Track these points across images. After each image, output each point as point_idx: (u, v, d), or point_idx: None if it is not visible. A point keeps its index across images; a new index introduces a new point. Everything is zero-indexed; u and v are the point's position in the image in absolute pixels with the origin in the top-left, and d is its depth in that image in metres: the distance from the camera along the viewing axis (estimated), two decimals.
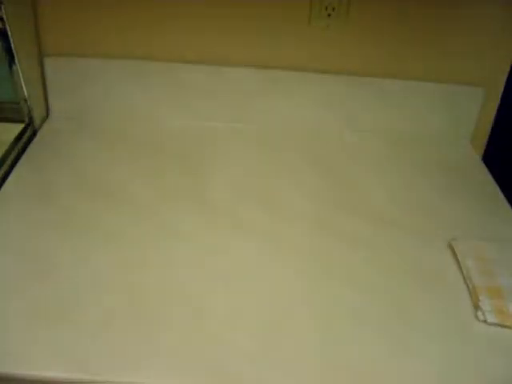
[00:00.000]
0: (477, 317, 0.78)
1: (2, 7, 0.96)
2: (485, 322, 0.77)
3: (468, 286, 0.83)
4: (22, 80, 1.05)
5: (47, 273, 0.79)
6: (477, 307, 0.79)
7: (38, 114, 1.13)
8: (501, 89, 1.17)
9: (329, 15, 1.08)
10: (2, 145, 1.02)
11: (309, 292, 0.80)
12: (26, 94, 1.07)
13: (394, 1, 1.07)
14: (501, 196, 1.04)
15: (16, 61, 1.02)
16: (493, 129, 1.21)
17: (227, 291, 0.79)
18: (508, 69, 1.14)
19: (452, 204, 1.00)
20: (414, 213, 0.98)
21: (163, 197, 0.96)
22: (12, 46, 1.00)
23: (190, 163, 1.06)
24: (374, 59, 1.14)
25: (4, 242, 0.84)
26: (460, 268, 0.86)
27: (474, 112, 1.17)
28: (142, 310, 0.75)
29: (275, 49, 1.13)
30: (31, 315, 0.72)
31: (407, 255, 0.88)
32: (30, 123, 1.10)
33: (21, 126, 1.08)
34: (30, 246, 0.84)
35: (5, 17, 0.97)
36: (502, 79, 1.16)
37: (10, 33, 0.99)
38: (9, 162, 1.01)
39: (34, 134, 1.11)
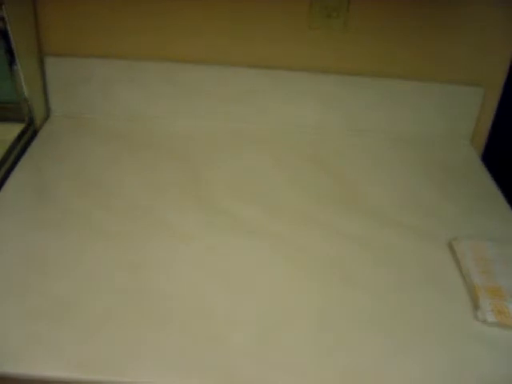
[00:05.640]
0: (476, 317, 0.78)
1: (3, 7, 0.96)
2: (484, 321, 0.77)
3: (468, 286, 0.83)
4: (22, 80, 1.05)
5: (47, 272, 0.79)
6: (477, 307, 0.79)
7: (38, 114, 1.12)
8: (500, 88, 1.17)
9: (329, 15, 1.09)
10: (3, 145, 1.02)
11: (309, 291, 0.80)
12: (26, 93, 1.07)
13: (394, 1, 1.07)
14: (500, 196, 1.04)
15: (16, 61, 1.02)
16: (492, 129, 1.21)
17: (227, 291, 0.79)
18: (507, 68, 1.15)
19: (452, 203, 1.01)
20: (414, 212, 0.98)
21: (163, 197, 0.96)
22: (13, 45, 1.00)
23: (190, 163, 1.06)
24: (373, 59, 1.14)
25: (4, 241, 0.84)
26: (460, 267, 0.86)
27: (474, 112, 1.17)
28: (142, 309, 0.75)
29: (275, 49, 1.13)
30: (31, 315, 0.72)
31: (407, 255, 0.88)
32: (31, 123, 1.10)
33: (21, 126, 1.08)
34: (29, 246, 0.84)
35: (6, 17, 0.97)
36: (502, 79, 1.16)
37: (10, 33, 0.99)
38: (9, 161, 1.00)
39: (35, 133, 1.10)
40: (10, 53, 1.01)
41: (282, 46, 1.13)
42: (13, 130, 1.06)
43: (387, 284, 0.83)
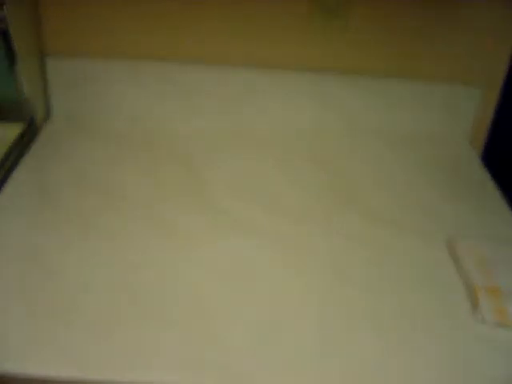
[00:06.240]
0: (476, 317, 0.78)
1: (4, 7, 0.96)
2: (484, 321, 0.77)
3: (467, 286, 0.83)
4: (23, 80, 1.05)
5: (47, 272, 0.80)
6: (476, 307, 0.79)
7: (39, 114, 1.13)
8: (499, 88, 1.17)
9: (329, 15, 1.09)
10: (4, 145, 1.02)
11: (308, 291, 0.81)
12: (27, 93, 1.07)
13: (394, 1, 1.08)
14: (500, 196, 1.05)
15: (17, 60, 1.02)
16: (491, 129, 1.21)
17: (227, 291, 0.79)
18: (506, 68, 1.15)
19: (451, 204, 1.01)
20: (414, 212, 0.98)
21: (164, 197, 0.97)
22: (14, 45, 1.00)
23: (190, 163, 1.06)
24: (373, 59, 1.14)
25: (5, 242, 0.84)
26: (459, 268, 0.86)
27: (473, 112, 1.17)
28: (142, 309, 0.75)
29: (275, 49, 1.13)
30: (31, 315, 0.73)
31: (406, 255, 0.89)
32: (31, 123, 1.10)
33: (22, 126, 1.08)
34: (30, 246, 0.84)
35: (7, 17, 0.97)
36: (501, 79, 1.16)
37: (11, 32, 0.99)
38: (10, 161, 1.01)
39: (36, 134, 1.11)
40: (11, 53, 1.01)
41: (281, 45, 1.13)
42: (13, 130, 1.06)
43: (387, 284, 0.83)
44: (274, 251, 0.87)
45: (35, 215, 0.90)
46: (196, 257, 0.85)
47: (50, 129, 1.13)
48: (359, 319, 0.77)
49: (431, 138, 1.19)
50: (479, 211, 1.00)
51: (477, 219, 0.98)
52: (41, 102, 1.14)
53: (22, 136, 1.06)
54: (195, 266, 0.83)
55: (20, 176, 0.99)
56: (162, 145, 1.11)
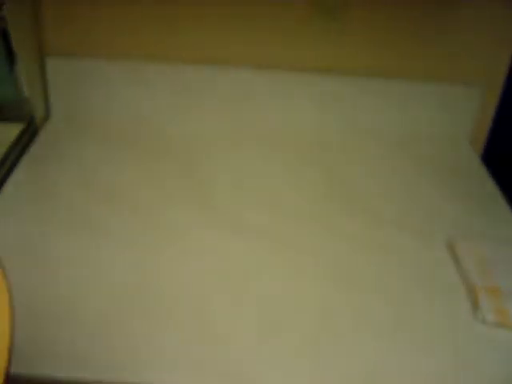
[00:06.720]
0: (476, 317, 0.78)
1: (4, 7, 0.96)
2: (484, 321, 0.77)
3: (467, 286, 0.83)
4: (23, 80, 1.05)
5: (47, 271, 0.80)
6: (476, 307, 0.79)
7: (38, 114, 1.13)
8: (500, 88, 1.17)
9: (328, 15, 1.09)
10: (3, 145, 1.02)
11: (309, 291, 0.81)
12: (26, 93, 1.07)
13: (394, 1, 1.08)
14: (500, 196, 1.04)
15: (17, 60, 1.02)
16: (492, 129, 1.21)
17: (227, 291, 0.79)
18: (507, 68, 1.15)
19: (451, 204, 1.01)
20: (414, 213, 0.98)
21: (164, 197, 0.97)
22: (13, 45, 1.00)
23: (190, 163, 1.06)
24: (373, 59, 1.14)
25: (5, 242, 0.84)
26: (459, 268, 0.86)
27: (473, 112, 1.17)
28: (142, 309, 0.75)
29: (275, 49, 1.13)
30: (31, 315, 0.73)
31: (406, 255, 0.89)
32: (31, 123, 1.10)
33: (22, 126, 1.08)
34: (30, 247, 0.84)
35: (7, 16, 0.97)
36: (501, 79, 1.16)
37: (11, 32, 0.99)
38: (9, 162, 1.01)
39: (35, 134, 1.11)
40: (10, 52, 1.01)
41: (281, 46, 1.13)
42: (13, 130, 1.06)
43: (387, 285, 0.83)
44: (275, 252, 0.87)
45: (35, 215, 0.90)
46: (196, 257, 0.85)
47: (49, 128, 1.13)
48: (359, 319, 0.77)
49: (431, 138, 1.19)
50: (479, 211, 1.00)
51: (477, 219, 0.98)
52: (41, 101, 1.14)
53: (21, 136, 1.06)
54: (195, 265, 0.83)
55: (20, 176, 0.99)
56: (162, 144, 1.11)
